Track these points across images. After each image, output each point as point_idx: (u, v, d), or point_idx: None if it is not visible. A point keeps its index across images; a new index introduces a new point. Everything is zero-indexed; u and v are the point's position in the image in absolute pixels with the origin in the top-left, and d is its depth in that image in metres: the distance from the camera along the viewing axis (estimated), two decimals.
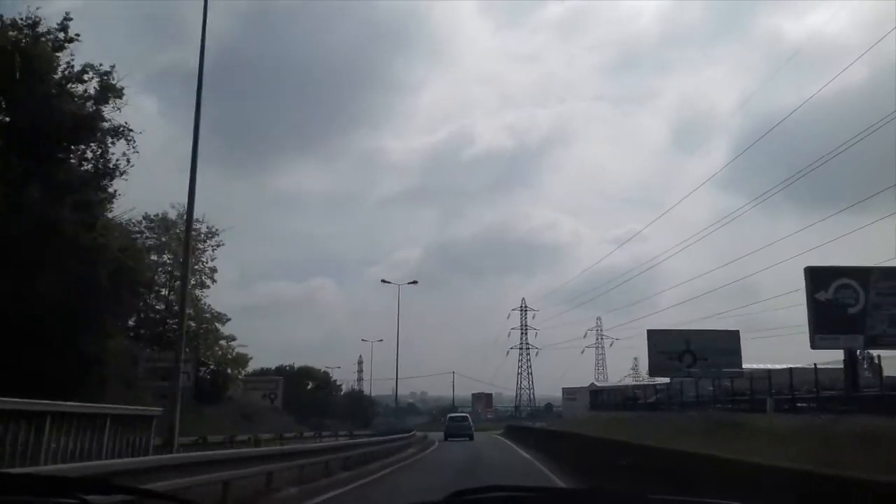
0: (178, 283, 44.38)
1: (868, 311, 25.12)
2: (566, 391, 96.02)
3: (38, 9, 22.71)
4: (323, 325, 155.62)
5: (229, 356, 45.57)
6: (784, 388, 26.13)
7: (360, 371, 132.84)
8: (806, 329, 25.69)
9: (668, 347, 31.38)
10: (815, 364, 25.51)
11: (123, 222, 32.87)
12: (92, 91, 23.92)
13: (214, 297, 45.67)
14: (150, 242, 44.64)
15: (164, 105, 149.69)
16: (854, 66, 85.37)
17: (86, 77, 23.81)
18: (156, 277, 44.83)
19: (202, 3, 15.77)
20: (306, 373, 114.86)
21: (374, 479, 16.19)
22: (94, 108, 23.84)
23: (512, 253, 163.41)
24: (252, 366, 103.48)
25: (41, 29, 22.80)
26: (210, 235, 44.85)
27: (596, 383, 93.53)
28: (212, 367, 46.29)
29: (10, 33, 22.05)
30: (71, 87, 23.77)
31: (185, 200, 17.92)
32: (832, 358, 27.39)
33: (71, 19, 23.34)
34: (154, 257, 44.76)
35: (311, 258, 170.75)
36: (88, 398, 17.22)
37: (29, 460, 10.85)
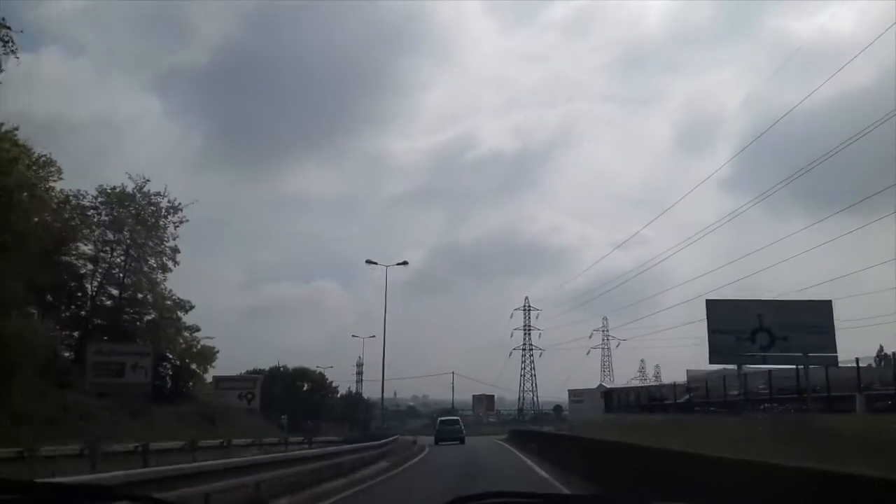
0: (134, 264, 38.34)
1: None
2: (572, 393, 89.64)
3: None
4: (327, 327, 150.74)
5: (194, 349, 39.29)
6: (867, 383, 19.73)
7: (360, 373, 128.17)
8: None
9: (735, 324, 23.80)
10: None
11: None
12: None
13: (177, 282, 39.43)
14: (105, 218, 38.49)
15: (171, 106, 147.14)
16: (862, 67, 79.76)
17: None
18: (111, 258, 38.68)
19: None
20: (301, 374, 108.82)
21: None
22: None
23: (517, 255, 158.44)
24: (251, 367, 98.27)
25: None
26: (172, 210, 38.70)
27: (605, 385, 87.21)
28: (175, 361, 40.10)
29: None
30: None
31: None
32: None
33: None
34: (110, 235, 38.65)
35: (316, 260, 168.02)
36: None
37: None
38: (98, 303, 39.16)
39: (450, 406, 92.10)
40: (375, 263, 38.55)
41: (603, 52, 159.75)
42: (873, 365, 28.07)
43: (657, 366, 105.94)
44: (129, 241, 38.29)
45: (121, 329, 38.53)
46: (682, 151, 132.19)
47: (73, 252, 37.82)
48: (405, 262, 39.09)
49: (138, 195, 38.56)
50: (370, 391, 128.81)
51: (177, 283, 38.61)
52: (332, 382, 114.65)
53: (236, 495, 9.98)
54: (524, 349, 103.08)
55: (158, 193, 38.83)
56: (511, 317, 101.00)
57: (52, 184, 32.24)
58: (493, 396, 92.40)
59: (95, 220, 38.29)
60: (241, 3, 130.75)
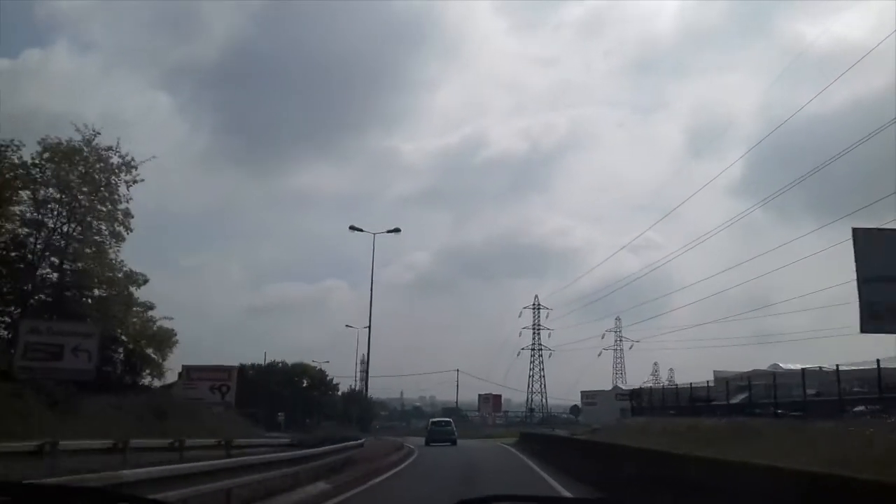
0: (81, 230, 31.98)
1: None
2: (585, 395, 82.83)
3: None
4: (332, 325, 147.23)
5: (148, 331, 32.82)
6: None
7: (365, 371, 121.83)
8: None
9: None
10: None
11: None
12: None
13: (133, 252, 32.94)
14: (49, 176, 32.14)
15: (180, 102, 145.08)
16: (875, 72, 74.69)
17: None
18: (55, 223, 32.34)
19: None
20: (301, 369, 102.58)
21: None
22: None
23: (524, 257, 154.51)
24: (251, 363, 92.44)
25: None
26: (125, 168, 32.31)
27: (621, 387, 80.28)
28: (130, 346, 33.64)
29: None
30: None
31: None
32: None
33: None
34: (54, 195, 32.30)
35: (324, 259, 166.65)
36: None
37: None
38: (41, 276, 32.85)
39: (454, 406, 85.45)
40: (360, 230, 32.15)
41: (614, 54, 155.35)
42: None
43: (671, 369, 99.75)
44: (74, 204, 31.91)
45: (66, 306, 32.16)
46: (693, 156, 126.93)
47: (15, 216, 31.65)
48: (397, 230, 32.58)
49: (86, 150, 32.21)
50: (375, 390, 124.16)
51: (138, 257, 32.20)
52: (332, 379, 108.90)
53: None
54: (533, 349, 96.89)
55: (110, 148, 32.46)
56: (520, 315, 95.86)
57: None
58: (500, 396, 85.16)
59: (39, 178, 32.00)
60: (250, 2, 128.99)
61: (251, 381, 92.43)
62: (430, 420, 43.79)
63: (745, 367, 36.04)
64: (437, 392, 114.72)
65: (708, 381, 34.94)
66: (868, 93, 66.11)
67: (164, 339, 33.17)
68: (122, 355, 33.02)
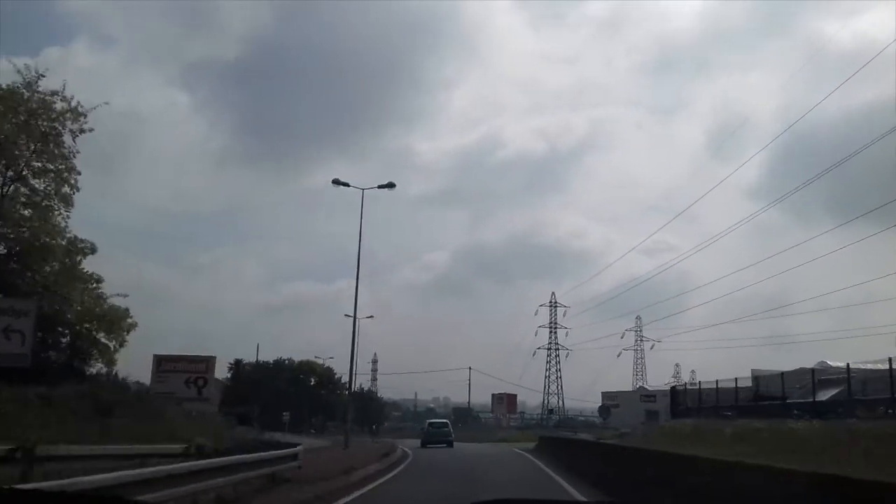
0: (20, 186, 26.55)
1: None
2: (606, 395, 76.35)
3: None
4: (346, 326, 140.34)
5: (97, 310, 27.16)
6: None
7: (375, 370, 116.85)
8: None
9: None
10: None
11: None
12: None
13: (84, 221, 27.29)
14: None
15: (197, 99, 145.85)
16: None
17: None
18: None
19: None
20: (307, 367, 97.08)
21: None
22: None
23: (540, 258, 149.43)
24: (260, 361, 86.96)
25: None
26: (72, 116, 26.75)
27: (646, 387, 73.84)
28: (78, 327, 27.98)
29: None
30: None
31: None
32: None
33: None
34: None
35: (339, 258, 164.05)
36: None
37: None
38: None
39: (466, 407, 79.27)
40: (347, 185, 26.30)
41: (634, 52, 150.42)
42: None
43: (693, 371, 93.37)
44: (13, 158, 26.41)
45: (4, 279, 26.66)
46: (713, 157, 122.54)
47: None
48: (391, 185, 26.66)
49: (26, 94, 26.69)
50: (388, 391, 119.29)
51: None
52: (339, 378, 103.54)
53: None
54: (550, 348, 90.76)
55: (55, 93, 26.91)
56: (536, 313, 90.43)
57: None
58: (515, 396, 78.43)
59: None
60: (269, 1, 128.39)
61: (255, 378, 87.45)
62: (427, 421, 42.21)
63: (768, 367, 31.09)
64: (452, 393, 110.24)
65: (737, 379, 29.56)
66: (893, 92, 60.58)
67: (116, 320, 27.40)
68: (66, 340, 27.33)
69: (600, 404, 74.15)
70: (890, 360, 18.52)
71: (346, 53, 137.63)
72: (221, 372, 70.56)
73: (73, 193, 26.94)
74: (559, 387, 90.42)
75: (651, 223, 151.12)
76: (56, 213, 27.32)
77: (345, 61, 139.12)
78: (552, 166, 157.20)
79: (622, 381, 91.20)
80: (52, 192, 27.28)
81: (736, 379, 30.93)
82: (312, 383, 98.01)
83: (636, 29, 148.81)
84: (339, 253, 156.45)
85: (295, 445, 12.84)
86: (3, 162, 26.57)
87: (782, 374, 28.20)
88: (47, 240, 25.59)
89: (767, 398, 24.88)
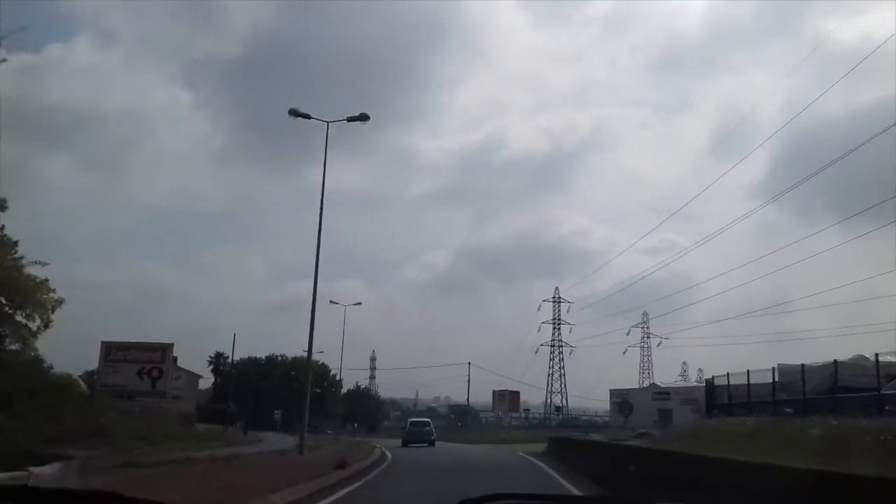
0: None
1: None
2: (615, 393, 70.69)
3: None
4: (348, 325, 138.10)
5: (13, 277, 21.74)
6: None
7: (373, 369, 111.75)
8: None
9: None
10: None
11: None
12: None
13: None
14: None
15: (199, 97, 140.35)
16: None
17: None
18: None
19: None
20: (300, 363, 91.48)
21: None
22: None
23: (543, 258, 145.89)
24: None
25: None
26: None
27: (659, 384, 68.34)
28: None
29: None
30: None
31: None
32: None
33: None
34: None
35: (342, 257, 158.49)
36: None
37: None
38: None
39: (465, 404, 73.72)
40: (308, 117, 20.80)
41: (639, 51, 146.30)
42: None
43: (700, 369, 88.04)
44: None
45: None
46: (717, 157, 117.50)
47: None
48: (363, 116, 21.15)
49: None
50: (388, 390, 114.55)
51: None
52: (335, 375, 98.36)
53: None
54: (553, 345, 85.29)
55: None
56: (539, 309, 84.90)
57: None
58: (518, 393, 72.28)
59: None
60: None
61: (244, 375, 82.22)
62: (408, 420, 41.78)
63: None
64: (453, 392, 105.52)
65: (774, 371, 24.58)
66: None
67: (28, 290, 21.94)
68: None
69: (614, 401, 68.64)
70: None
71: (350, 51, 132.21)
72: (200, 367, 65.29)
73: None
74: (562, 385, 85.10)
75: (655, 223, 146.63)
76: None
77: (348, 59, 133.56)
78: (556, 165, 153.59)
79: (627, 379, 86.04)
80: None
81: (774, 370, 25.91)
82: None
83: (641, 27, 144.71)
84: (342, 251, 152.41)
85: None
86: None
87: (835, 362, 22.94)
88: None
89: (855, 390, 19.34)
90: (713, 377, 28.43)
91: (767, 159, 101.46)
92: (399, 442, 35.24)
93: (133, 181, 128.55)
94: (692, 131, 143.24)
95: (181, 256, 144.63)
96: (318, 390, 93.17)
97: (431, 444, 33.14)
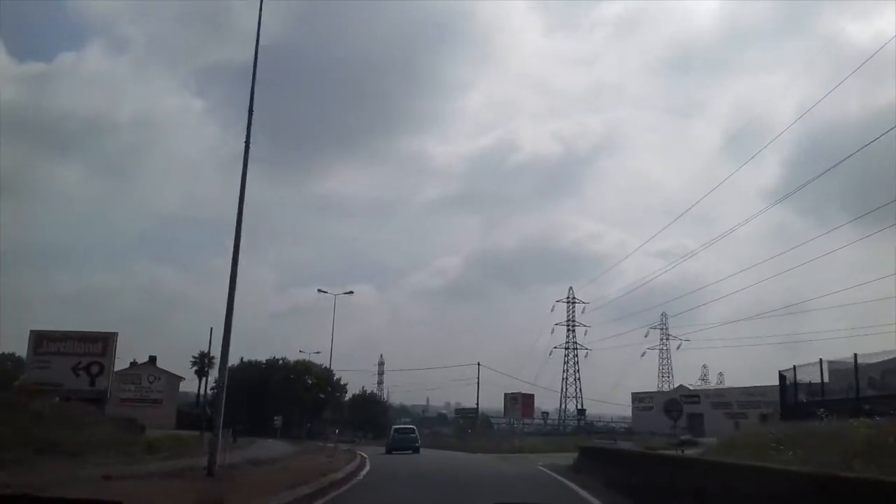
0: None
1: None
2: (637, 397, 64.12)
3: None
4: (357, 330, 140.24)
5: None
6: None
7: (381, 374, 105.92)
8: None
9: None
10: None
11: None
12: None
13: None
14: None
15: (211, 103, 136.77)
16: None
17: None
18: None
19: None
20: (304, 367, 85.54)
21: None
22: None
23: (555, 263, 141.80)
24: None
25: None
26: None
27: (689, 387, 61.73)
28: None
29: None
30: None
31: None
32: None
33: None
34: None
35: (352, 263, 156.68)
36: None
37: None
38: None
39: (473, 408, 67.24)
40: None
41: (650, 54, 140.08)
42: None
43: (721, 373, 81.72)
44: None
45: None
46: (730, 159, 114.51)
47: None
48: None
49: None
50: (398, 396, 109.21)
51: None
52: (339, 379, 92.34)
53: None
54: (567, 347, 78.96)
55: None
56: (552, 310, 78.79)
57: None
58: (532, 396, 65.08)
59: None
60: (280, 3, 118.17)
61: (238, 378, 76.28)
62: (393, 427, 41.20)
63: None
64: (464, 398, 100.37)
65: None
66: None
67: None
68: None
69: (645, 405, 61.89)
70: None
71: (360, 56, 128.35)
72: (183, 369, 59.70)
73: None
74: (577, 389, 78.65)
75: (668, 227, 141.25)
76: None
77: (359, 64, 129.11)
78: (568, 169, 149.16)
79: (644, 383, 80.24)
80: None
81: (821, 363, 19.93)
82: (309, 384, 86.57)
83: (653, 29, 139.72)
84: (353, 257, 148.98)
85: None
86: None
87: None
88: None
89: None
90: (794, 367, 22.06)
91: (783, 163, 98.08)
92: (384, 449, 34.60)
93: (142, 187, 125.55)
94: (705, 134, 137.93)
95: (190, 262, 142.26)
96: (322, 395, 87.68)
97: (416, 451, 32.60)
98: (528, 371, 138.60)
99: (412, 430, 37.20)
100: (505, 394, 63.83)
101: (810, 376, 22.53)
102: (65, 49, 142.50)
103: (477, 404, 61.02)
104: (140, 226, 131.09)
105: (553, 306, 78.78)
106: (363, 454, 28.10)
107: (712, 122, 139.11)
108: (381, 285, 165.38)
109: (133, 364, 50.39)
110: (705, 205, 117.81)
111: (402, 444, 33.22)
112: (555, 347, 77.73)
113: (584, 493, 12.14)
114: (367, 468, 16.71)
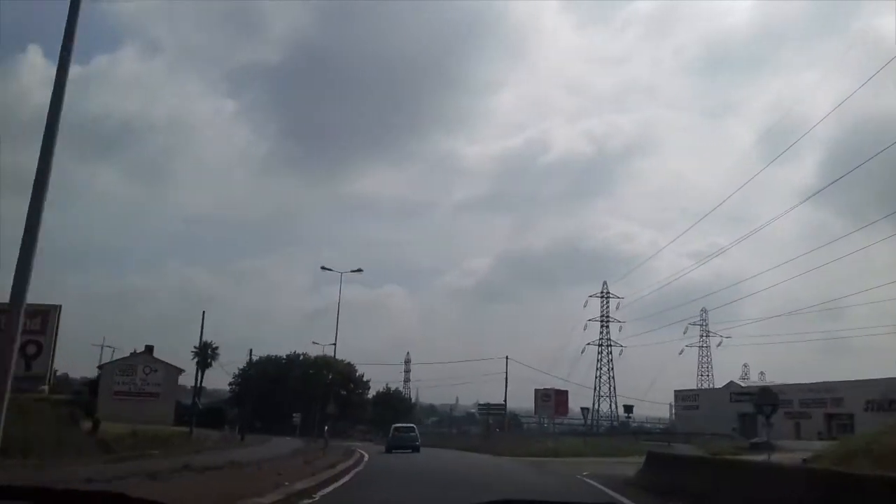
0: None
1: None
2: (680, 395, 57.79)
3: None
4: (388, 331, 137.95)
5: None
6: None
7: (408, 371, 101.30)
8: None
9: None
10: None
11: None
12: None
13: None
14: None
15: (242, 105, 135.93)
16: None
17: None
18: None
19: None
20: (324, 363, 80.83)
21: None
22: None
23: (586, 263, 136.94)
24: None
25: None
26: None
27: (738, 383, 55.30)
28: None
29: None
30: None
31: None
32: None
33: None
34: None
35: (384, 265, 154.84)
36: None
37: None
38: None
39: (502, 404, 61.58)
40: None
41: (683, 53, 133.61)
42: None
43: (762, 372, 74.94)
44: None
45: None
46: (765, 159, 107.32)
47: None
48: None
49: None
50: (426, 395, 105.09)
51: None
52: (362, 376, 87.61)
53: None
54: (601, 344, 73.59)
55: None
56: (585, 305, 74.55)
57: None
58: (565, 393, 58.62)
59: None
60: (311, 3, 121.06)
61: (251, 374, 71.87)
62: (393, 426, 39.54)
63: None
64: (493, 398, 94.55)
65: None
66: None
67: None
68: None
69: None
70: None
71: (391, 56, 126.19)
72: (184, 362, 55.32)
73: None
74: (611, 388, 72.79)
75: (701, 227, 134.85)
76: None
77: (389, 64, 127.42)
78: (599, 169, 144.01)
79: (681, 382, 74.09)
80: None
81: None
82: (329, 380, 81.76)
83: (685, 28, 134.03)
84: (385, 258, 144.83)
85: None
86: None
87: None
88: None
89: None
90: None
91: (820, 161, 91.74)
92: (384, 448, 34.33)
93: (176, 189, 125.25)
94: (739, 133, 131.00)
95: (222, 263, 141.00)
96: (344, 392, 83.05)
97: (416, 449, 32.74)
98: (559, 370, 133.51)
99: (412, 429, 37.65)
100: (536, 389, 57.55)
101: None
102: (100, 52, 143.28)
103: (505, 400, 55.26)
104: (172, 227, 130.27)
105: (586, 301, 74.79)
106: (364, 453, 24.48)
107: (746, 122, 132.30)
108: (412, 286, 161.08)
109: (133, 354, 46.17)
110: (741, 205, 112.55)
111: (402, 442, 33.49)
112: (588, 344, 73.99)
113: None
114: (335, 485, 11.47)
